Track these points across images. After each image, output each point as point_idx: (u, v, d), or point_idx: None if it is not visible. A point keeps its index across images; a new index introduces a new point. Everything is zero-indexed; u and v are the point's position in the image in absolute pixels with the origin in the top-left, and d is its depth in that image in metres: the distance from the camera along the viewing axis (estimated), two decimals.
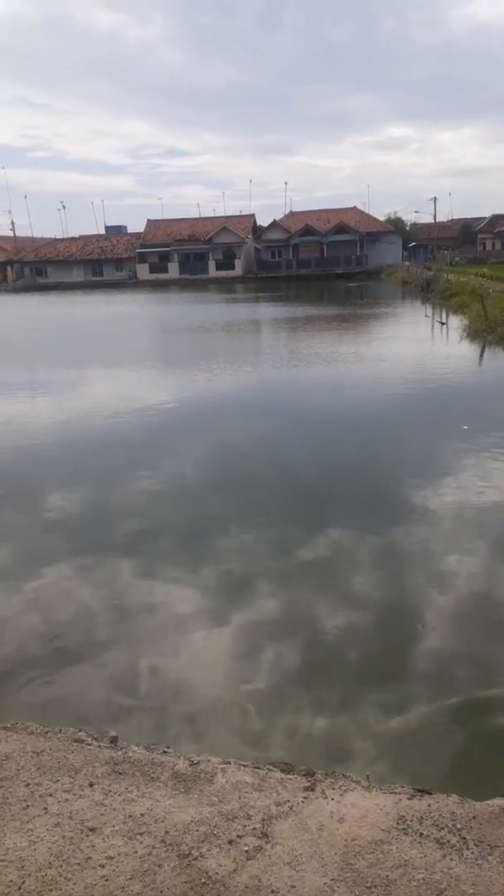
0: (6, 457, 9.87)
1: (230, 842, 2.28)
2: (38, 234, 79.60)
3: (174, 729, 3.96)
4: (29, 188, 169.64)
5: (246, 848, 2.25)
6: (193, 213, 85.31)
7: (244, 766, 2.72)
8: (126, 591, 5.66)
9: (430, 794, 2.56)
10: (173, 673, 4.55)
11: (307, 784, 2.59)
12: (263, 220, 72.35)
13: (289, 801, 2.49)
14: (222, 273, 65.15)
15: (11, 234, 77.58)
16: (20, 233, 78.43)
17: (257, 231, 70.50)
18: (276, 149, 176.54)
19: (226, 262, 66.23)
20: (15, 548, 6.63)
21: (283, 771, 2.71)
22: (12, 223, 78.41)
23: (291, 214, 71.91)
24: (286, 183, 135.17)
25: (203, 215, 75.69)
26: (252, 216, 72.85)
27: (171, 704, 4.22)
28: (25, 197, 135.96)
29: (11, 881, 2.14)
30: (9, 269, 73.26)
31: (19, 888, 2.11)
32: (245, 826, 2.35)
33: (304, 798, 2.50)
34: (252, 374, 16.64)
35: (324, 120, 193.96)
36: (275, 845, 2.26)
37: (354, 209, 70.36)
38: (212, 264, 66.46)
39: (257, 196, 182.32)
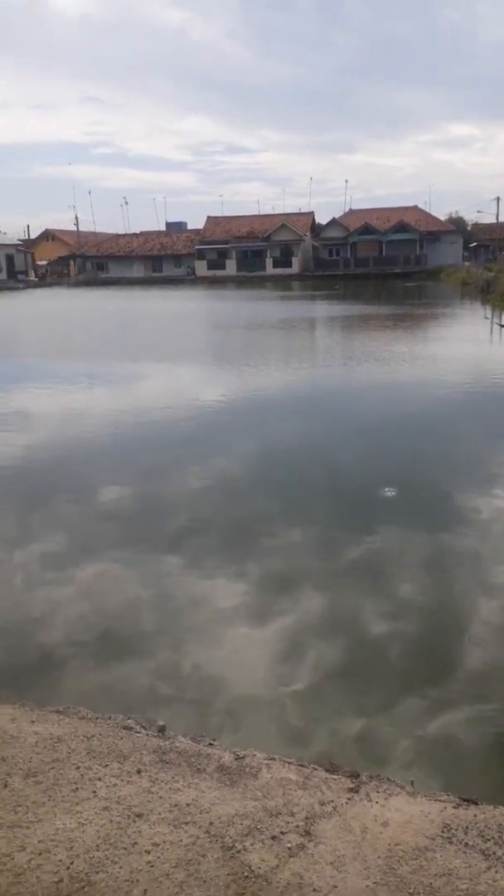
0: (62, 447, 10.11)
1: (273, 837, 2.30)
2: (100, 230, 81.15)
3: (215, 722, 4.00)
4: (93, 184, 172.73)
5: (289, 845, 2.26)
6: (253, 211, 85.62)
7: (289, 763, 2.74)
8: (172, 584, 5.74)
9: (476, 804, 2.52)
10: (216, 667, 4.59)
11: (351, 785, 2.59)
12: (323, 218, 72.07)
13: (332, 801, 2.49)
14: (279, 270, 65.11)
15: (75, 229, 79.30)
16: (84, 228, 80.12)
17: (316, 229, 70.21)
18: (336, 147, 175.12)
19: (283, 260, 66.18)
20: (68, 537, 6.80)
21: (327, 770, 2.72)
22: (76, 218, 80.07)
23: (351, 212, 71.35)
24: (346, 181, 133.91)
25: (262, 212, 75.88)
26: (311, 214, 72.56)
27: (213, 697, 4.27)
28: (89, 193, 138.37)
29: (60, 860, 2.21)
30: (71, 263, 74.86)
31: (68, 868, 2.18)
32: (288, 823, 2.36)
33: (348, 799, 2.50)
34: (305, 372, 16.62)
35: (385, 117, 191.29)
36: (318, 844, 2.27)
37: (415, 208, 69.36)
38: (269, 262, 66.51)
39: (317, 194, 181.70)
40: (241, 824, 2.36)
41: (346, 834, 2.32)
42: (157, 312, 36.46)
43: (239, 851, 2.24)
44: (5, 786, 2.54)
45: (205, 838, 2.30)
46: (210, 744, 2.89)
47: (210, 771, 2.66)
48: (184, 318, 32.42)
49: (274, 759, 2.77)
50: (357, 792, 2.55)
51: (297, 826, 2.35)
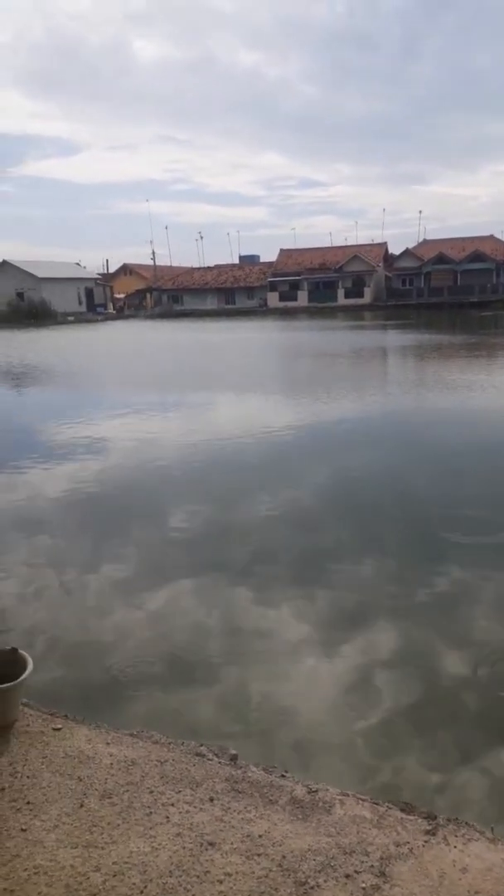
0: (135, 473, 10.34)
1: (347, 876, 2.25)
2: (176, 263, 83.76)
3: (282, 754, 3.94)
4: (170, 219, 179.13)
5: (363, 885, 2.21)
6: (325, 243, 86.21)
7: (363, 800, 2.68)
8: (239, 612, 5.74)
9: None
10: (283, 699, 4.54)
11: (428, 827, 2.51)
12: (396, 249, 72.04)
13: (408, 842, 2.42)
14: (351, 301, 65.25)
15: (152, 263, 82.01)
16: (160, 262, 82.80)
17: (389, 259, 70.17)
18: (410, 178, 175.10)
19: (355, 290, 66.31)
20: (137, 561, 6.91)
21: (402, 810, 2.65)
22: (153, 253, 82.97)
23: (425, 243, 71.02)
24: (420, 211, 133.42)
25: (335, 244, 76.45)
26: (384, 245, 72.65)
27: (280, 730, 4.21)
28: (166, 228, 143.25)
29: (134, 884, 2.22)
30: (148, 296, 77.27)
31: (141, 892, 2.19)
32: (363, 862, 2.31)
33: (425, 842, 2.42)
34: (375, 400, 16.48)
35: (461, 148, 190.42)
36: (393, 886, 2.21)
37: (491, 237, 68.40)
38: (341, 292, 66.78)
39: (390, 225, 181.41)
40: (315, 860, 2.32)
41: (422, 878, 2.25)
42: (229, 343, 37.05)
43: (312, 888, 2.20)
44: (81, 805, 2.58)
45: (277, 871, 2.27)
46: (282, 775, 2.86)
47: (282, 803, 2.64)
48: (255, 349, 32.80)
49: (347, 794, 2.71)
50: (434, 835, 2.47)
51: (372, 866, 2.29)
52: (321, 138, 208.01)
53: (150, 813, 2.55)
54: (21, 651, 3.24)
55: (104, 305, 75.58)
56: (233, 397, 18.06)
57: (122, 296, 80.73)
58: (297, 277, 68.82)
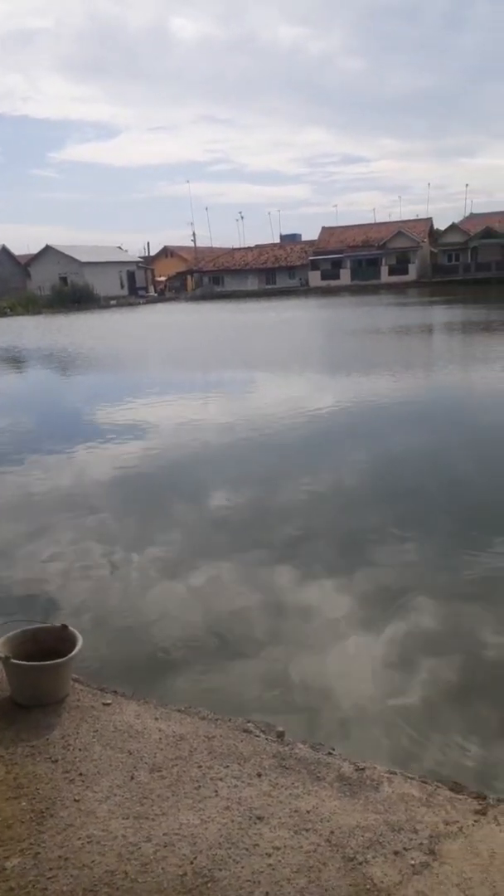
0: (177, 454, 10.42)
1: (396, 853, 2.25)
2: (216, 244, 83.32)
3: (327, 732, 3.93)
4: (210, 200, 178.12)
5: (412, 862, 2.20)
6: (368, 219, 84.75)
7: (411, 778, 2.67)
8: (281, 591, 5.75)
9: None
10: (326, 677, 4.53)
11: (478, 807, 2.48)
12: (442, 224, 70.32)
13: (458, 821, 2.40)
14: (395, 278, 64.09)
15: (192, 245, 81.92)
16: (201, 243, 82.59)
17: (434, 235, 68.63)
18: (456, 151, 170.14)
19: (399, 267, 65.10)
20: (181, 540, 6.97)
21: (451, 790, 2.63)
22: (193, 234, 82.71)
23: (471, 217, 69.18)
24: (467, 185, 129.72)
25: (378, 221, 75.10)
26: (429, 220, 71.05)
27: (324, 707, 4.21)
28: (206, 209, 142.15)
29: (184, 855, 2.26)
30: (188, 278, 77.29)
31: (191, 863, 2.23)
32: (412, 840, 2.30)
33: (475, 821, 2.40)
34: (419, 380, 16.21)
35: None
36: (442, 864, 2.20)
37: None
38: (384, 269, 65.65)
39: (436, 199, 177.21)
40: (363, 836, 2.32)
41: (472, 857, 2.23)
42: (267, 323, 36.87)
43: (361, 864, 2.20)
44: (132, 778, 2.63)
45: (325, 846, 2.28)
46: (329, 753, 2.87)
47: (330, 780, 2.64)
48: (294, 328, 32.57)
49: (395, 773, 2.71)
50: (484, 815, 2.44)
51: (421, 844, 2.29)
52: (364, 113, 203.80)
53: (199, 787, 2.59)
54: (71, 628, 3.31)
55: (145, 288, 75.98)
56: (271, 377, 17.98)
57: (163, 278, 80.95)
58: (340, 255, 67.86)
